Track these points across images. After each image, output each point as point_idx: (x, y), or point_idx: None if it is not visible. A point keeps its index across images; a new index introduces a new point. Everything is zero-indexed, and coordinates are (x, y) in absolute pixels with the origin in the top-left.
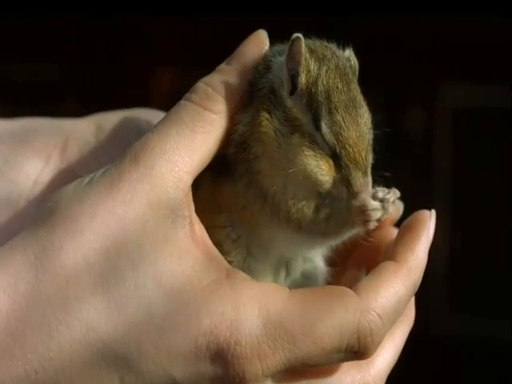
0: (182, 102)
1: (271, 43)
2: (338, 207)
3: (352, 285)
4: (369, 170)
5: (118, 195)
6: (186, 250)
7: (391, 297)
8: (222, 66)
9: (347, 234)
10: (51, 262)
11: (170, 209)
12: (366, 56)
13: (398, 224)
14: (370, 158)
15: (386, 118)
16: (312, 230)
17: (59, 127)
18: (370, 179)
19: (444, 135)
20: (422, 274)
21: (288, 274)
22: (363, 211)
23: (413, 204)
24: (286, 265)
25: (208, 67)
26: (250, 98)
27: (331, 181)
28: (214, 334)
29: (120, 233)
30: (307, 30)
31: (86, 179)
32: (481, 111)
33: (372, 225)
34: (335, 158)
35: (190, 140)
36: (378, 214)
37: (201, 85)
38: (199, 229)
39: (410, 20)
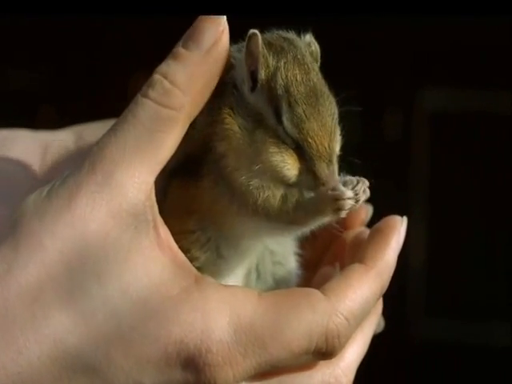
0: (139, 99)
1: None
2: (308, 195)
3: (325, 282)
4: (334, 159)
5: (76, 209)
6: (152, 257)
7: (359, 299)
8: (179, 50)
9: (317, 223)
10: (16, 280)
11: (132, 216)
12: (344, 58)
13: (370, 225)
14: (335, 146)
15: (363, 122)
16: (279, 219)
17: (38, 136)
18: (335, 168)
19: (421, 139)
20: (389, 278)
21: (258, 276)
22: (336, 200)
23: (389, 207)
24: (256, 267)
25: None
26: (213, 95)
27: (297, 173)
28: (185, 343)
29: (82, 247)
30: (283, 30)
31: (45, 190)
32: (459, 115)
33: (343, 214)
34: (299, 149)
35: (150, 142)
36: (350, 203)
37: (157, 77)
38: (164, 232)
39: (388, 23)
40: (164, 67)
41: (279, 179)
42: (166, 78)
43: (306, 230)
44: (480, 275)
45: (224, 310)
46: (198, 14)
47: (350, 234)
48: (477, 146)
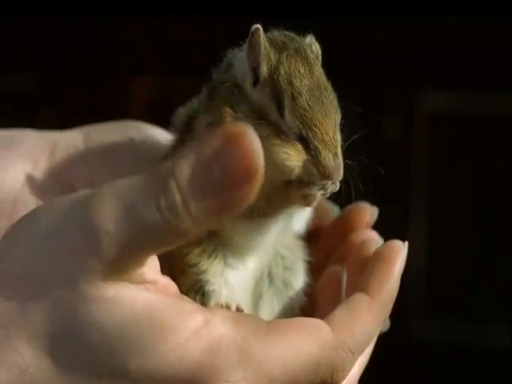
0: None
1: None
2: (276, 188)
3: (333, 281)
4: (339, 150)
5: None
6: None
7: (364, 333)
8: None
9: (284, 211)
10: None
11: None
12: (343, 59)
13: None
14: (339, 138)
15: (362, 123)
16: (254, 212)
17: (45, 136)
18: (341, 161)
19: (421, 140)
20: (392, 304)
21: (271, 281)
22: (304, 195)
23: (389, 210)
24: (268, 273)
25: (185, 75)
26: (209, 99)
27: (300, 164)
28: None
29: None
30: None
31: None
32: (459, 116)
33: (313, 205)
34: (303, 141)
35: None
36: (317, 200)
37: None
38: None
39: (388, 24)
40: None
41: (281, 171)
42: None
43: (275, 221)
44: (479, 277)
45: (234, 351)
46: (198, 15)
47: (355, 237)
48: (477, 147)
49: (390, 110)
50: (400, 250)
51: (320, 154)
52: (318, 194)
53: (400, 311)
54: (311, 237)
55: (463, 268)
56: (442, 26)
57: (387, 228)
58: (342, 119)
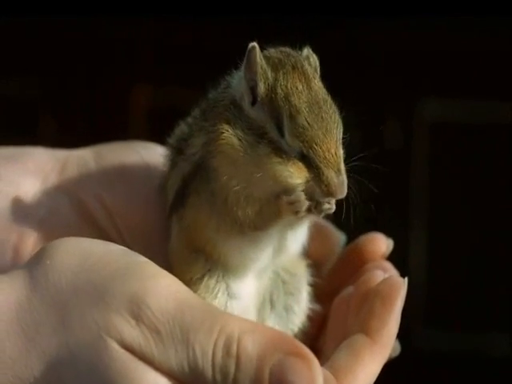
0: None
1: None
2: (267, 200)
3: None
4: (342, 167)
5: None
6: None
7: (367, 376)
8: None
9: (277, 225)
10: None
11: None
12: (344, 67)
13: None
14: (341, 153)
15: (363, 131)
16: (244, 225)
17: (55, 153)
18: (345, 178)
19: (421, 148)
20: (393, 343)
21: (273, 307)
22: (292, 203)
23: (389, 217)
24: (270, 298)
25: (185, 85)
26: (203, 120)
27: (302, 182)
28: None
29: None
30: (281, 41)
31: None
32: (459, 125)
33: (303, 215)
34: (305, 159)
35: None
36: (305, 206)
37: None
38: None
39: (389, 32)
40: None
41: (283, 188)
42: None
43: (268, 233)
44: (479, 286)
45: None
46: (199, 21)
47: (369, 268)
48: (477, 155)
49: (390, 118)
50: (400, 289)
51: (322, 172)
52: (305, 201)
53: (400, 320)
54: (319, 262)
55: (463, 277)
56: (442, 35)
57: (387, 236)
58: (343, 131)
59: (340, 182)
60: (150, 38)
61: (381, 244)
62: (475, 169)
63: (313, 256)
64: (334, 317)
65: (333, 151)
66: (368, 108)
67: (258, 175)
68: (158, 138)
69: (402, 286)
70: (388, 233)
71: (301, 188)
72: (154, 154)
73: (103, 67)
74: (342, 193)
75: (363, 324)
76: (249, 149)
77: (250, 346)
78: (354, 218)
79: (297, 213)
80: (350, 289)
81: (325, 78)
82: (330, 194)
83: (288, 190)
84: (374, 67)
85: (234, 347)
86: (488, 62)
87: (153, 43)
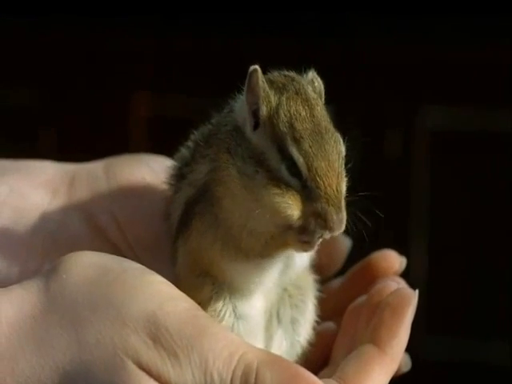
0: None
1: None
2: (271, 233)
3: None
4: (342, 204)
5: None
6: None
7: None
8: None
9: (281, 254)
10: None
11: None
12: (344, 76)
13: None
14: (343, 187)
15: (363, 139)
16: (249, 253)
17: (64, 167)
18: (344, 216)
19: (422, 157)
20: (402, 353)
21: (279, 322)
22: (304, 242)
23: (389, 225)
24: (277, 313)
25: (185, 94)
26: (207, 145)
27: (301, 215)
28: None
29: None
30: (280, 54)
31: None
32: (460, 133)
33: (310, 250)
34: (305, 189)
35: None
36: (317, 239)
37: None
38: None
39: (389, 41)
40: None
41: (281, 220)
42: None
43: (273, 262)
44: (480, 294)
45: None
46: (199, 30)
47: (381, 284)
48: (478, 163)
49: (390, 126)
50: (411, 300)
51: (322, 208)
52: (317, 241)
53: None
54: (324, 270)
55: (464, 285)
56: (443, 42)
57: (388, 244)
58: (343, 139)
59: (339, 219)
60: (150, 47)
61: (394, 261)
62: (476, 177)
63: (318, 262)
64: (344, 325)
65: (334, 187)
66: (369, 116)
67: (257, 211)
68: (159, 146)
69: (412, 297)
70: (388, 241)
71: (299, 220)
72: (163, 167)
73: (103, 76)
74: (340, 229)
75: (373, 334)
76: (247, 181)
77: (269, 378)
78: (354, 227)
79: (305, 251)
80: (362, 298)
81: (326, 86)
82: (327, 229)
83: (291, 223)
84: (375, 75)
85: (253, 378)
86: (489, 70)
87: (153, 52)
